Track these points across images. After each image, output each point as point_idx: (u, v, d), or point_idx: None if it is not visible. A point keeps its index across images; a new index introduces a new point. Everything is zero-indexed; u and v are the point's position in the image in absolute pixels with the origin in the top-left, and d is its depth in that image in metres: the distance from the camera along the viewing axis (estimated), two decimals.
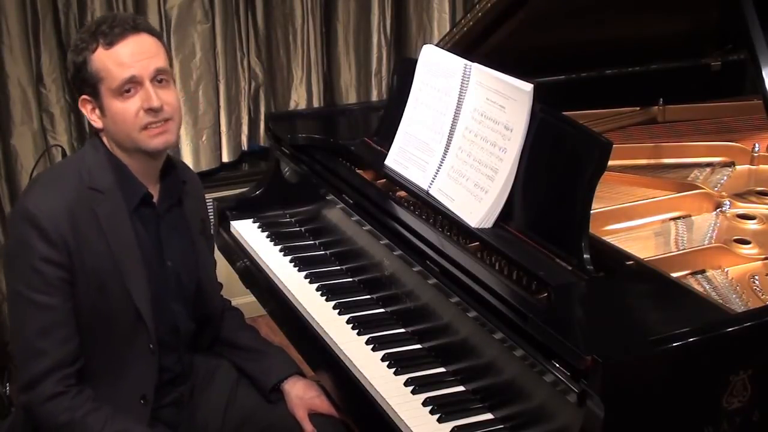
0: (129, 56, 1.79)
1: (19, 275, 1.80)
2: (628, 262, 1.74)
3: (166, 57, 1.86)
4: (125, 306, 1.83)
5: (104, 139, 1.87)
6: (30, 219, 1.76)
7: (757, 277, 1.82)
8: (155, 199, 1.92)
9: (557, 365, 1.50)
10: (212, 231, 2.64)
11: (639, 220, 2.05)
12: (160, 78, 1.82)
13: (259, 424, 2.03)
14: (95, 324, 1.82)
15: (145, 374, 1.89)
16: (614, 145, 1.72)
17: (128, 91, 1.80)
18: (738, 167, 2.35)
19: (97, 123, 1.85)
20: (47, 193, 1.81)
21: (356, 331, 1.99)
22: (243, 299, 2.63)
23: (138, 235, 1.87)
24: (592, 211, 1.73)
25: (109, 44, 1.79)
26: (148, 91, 1.80)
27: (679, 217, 2.08)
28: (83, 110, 1.87)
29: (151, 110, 1.80)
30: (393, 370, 1.84)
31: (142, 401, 1.88)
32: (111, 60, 1.79)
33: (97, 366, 1.85)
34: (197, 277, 2.01)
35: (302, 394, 2.02)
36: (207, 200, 2.19)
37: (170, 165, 1.97)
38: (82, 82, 1.83)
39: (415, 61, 2.19)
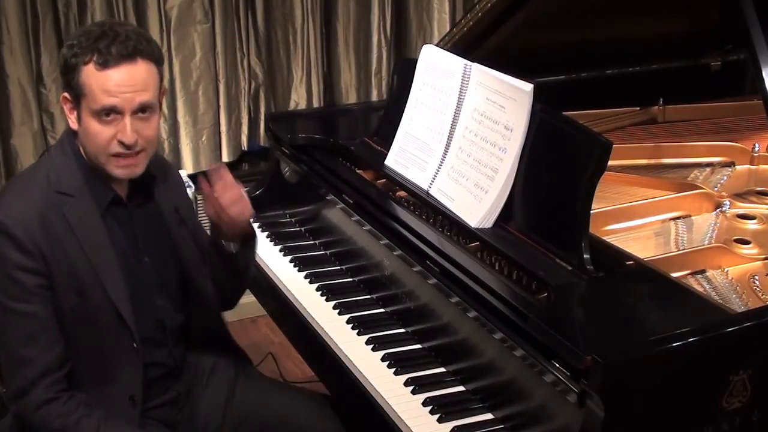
0: (116, 86, 1.74)
1: None
2: (628, 262, 1.74)
3: (156, 87, 1.81)
4: (105, 307, 1.82)
5: (76, 140, 1.84)
6: (1, 228, 1.74)
7: (757, 277, 1.82)
8: (125, 197, 1.90)
9: (557, 365, 1.50)
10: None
11: (639, 220, 2.05)
12: (144, 109, 1.78)
13: (259, 421, 2.03)
14: (77, 327, 1.81)
15: (132, 374, 1.87)
16: (614, 145, 1.72)
17: (107, 115, 1.76)
18: (738, 167, 2.35)
19: (74, 125, 1.82)
20: (16, 200, 1.80)
21: (356, 331, 1.99)
22: (243, 299, 2.62)
23: (112, 234, 1.85)
24: (592, 211, 1.73)
25: (102, 65, 1.73)
26: (126, 125, 1.75)
27: (679, 217, 2.07)
28: (63, 105, 1.83)
29: (123, 144, 1.77)
30: (393, 370, 1.84)
31: (130, 402, 1.87)
32: (98, 83, 1.74)
33: (82, 369, 1.84)
34: (180, 269, 1.99)
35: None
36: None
37: None
38: (68, 83, 1.80)
39: (415, 61, 2.19)
